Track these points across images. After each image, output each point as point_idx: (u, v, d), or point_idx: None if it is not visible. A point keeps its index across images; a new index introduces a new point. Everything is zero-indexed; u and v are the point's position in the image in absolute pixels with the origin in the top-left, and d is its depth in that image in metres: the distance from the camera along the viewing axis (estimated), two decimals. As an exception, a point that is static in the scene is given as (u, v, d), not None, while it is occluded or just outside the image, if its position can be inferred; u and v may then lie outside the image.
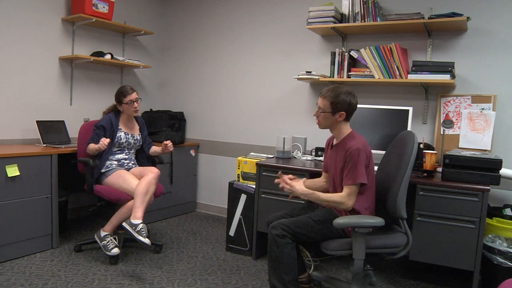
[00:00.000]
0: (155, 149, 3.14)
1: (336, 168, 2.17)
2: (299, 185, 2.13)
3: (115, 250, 2.74)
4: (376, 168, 2.43)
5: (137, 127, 3.11)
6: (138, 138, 3.07)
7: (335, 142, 2.25)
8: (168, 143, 2.97)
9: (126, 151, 3.01)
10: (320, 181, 2.45)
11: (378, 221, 1.94)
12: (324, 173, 2.41)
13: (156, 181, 2.80)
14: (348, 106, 2.12)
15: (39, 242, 2.89)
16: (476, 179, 2.31)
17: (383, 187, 2.18)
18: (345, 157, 2.09)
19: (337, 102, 2.11)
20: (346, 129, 2.20)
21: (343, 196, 2.06)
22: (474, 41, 2.91)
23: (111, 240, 2.78)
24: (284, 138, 3.15)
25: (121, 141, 2.95)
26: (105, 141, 2.73)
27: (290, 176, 2.26)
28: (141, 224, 2.58)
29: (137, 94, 2.97)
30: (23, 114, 3.26)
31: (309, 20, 3.23)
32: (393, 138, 2.33)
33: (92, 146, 2.80)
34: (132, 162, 3.03)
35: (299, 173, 2.73)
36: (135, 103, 2.94)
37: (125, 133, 2.98)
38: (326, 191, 2.38)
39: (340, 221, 1.96)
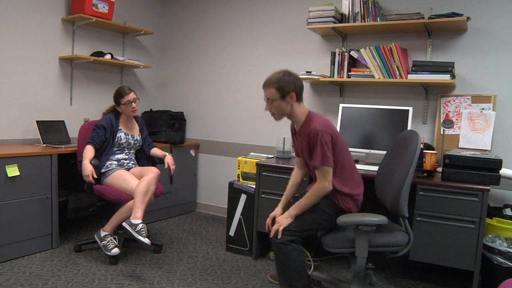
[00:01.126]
0: (156, 152, 3.13)
1: (305, 154, 2.17)
2: (284, 217, 2.12)
3: (115, 250, 2.74)
4: (376, 168, 2.44)
5: (137, 127, 3.11)
6: (138, 138, 3.07)
7: (297, 128, 2.22)
8: (171, 166, 2.97)
9: (126, 151, 3.01)
10: (297, 173, 2.41)
11: (381, 219, 1.94)
12: (297, 158, 2.38)
13: (156, 181, 2.80)
14: (294, 85, 2.09)
15: (39, 242, 2.89)
16: (476, 179, 2.31)
17: (385, 186, 2.18)
18: (308, 142, 2.08)
19: (282, 86, 2.07)
20: (302, 112, 2.16)
21: (318, 182, 2.08)
22: (474, 41, 2.91)
23: (111, 240, 2.78)
24: (284, 138, 3.15)
25: (121, 142, 2.95)
26: (90, 178, 2.70)
27: (270, 219, 2.30)
28: (141, 224, 2.58)
29: (135, 94, 2.97)
30: (23, 114, 3.26)
31: (309, 20, 3.23)
32: (393, 138, 2.33)
33: (86, 162, 2.72)
34: (132, 162, 3.03)
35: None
36: (133, 103, 2.94)
37: (125, 133, 2.98)
38: (306, 174, 2.41)
39: (344, 219, 1.97)
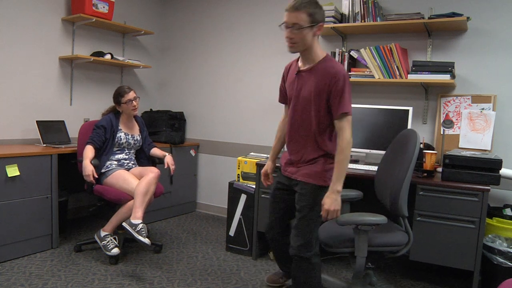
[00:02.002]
0: (155, 152, 3.14)
1: (310, 94, 1.88)
2: (332, 200, 1.86)
3: (115, 250, 2.74)
4: (376, 168, 2.44)
5: (137, 127, 3.12)
6: (138, 138, 3.07)
7: (305, 66, 1.93)
8: (171, 167, 2.97)
9: (126, 151, 3.01)
10: (284, 123, 2.18)
11: (381, 219, 1.94)
12: (286, 105, 2.10)
13: (156, 181, 2.80)
14: (323, 16, 1.85)
15: (39, 242, 2.89)
16: (476, 179, 2.31)
17: (385, 185, 2.18)
18: (330, 84, 1.82)
19: (315, 13, 1.80)
20: (321, 49, 1.93)
21: (343, 135, 1.85)
22: (474, 41, 2.91)
23: (111, 240, 2.78)
24: (284, 138, 3.15)
25: (121, 142, 2.95)
26: (91, 178, 2.70)
27: (264, 176, 2.32)
28: (141, 224, 2.58)
29: (135, 93, 2.98)
30: (23, 114, 3.26)
31: (309, 20, 3.23)
32: (393, 138, 2.32)
33: (86, 162, 2.72)
34: (132, 162, 3.03)
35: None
36: (133, 101, 2.94)
37: (125, 133, 2.98)
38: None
39: (343, 219, 1.95)
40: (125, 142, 2.98)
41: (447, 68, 2.77)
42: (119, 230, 2.89)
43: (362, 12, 3.06)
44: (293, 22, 1.79)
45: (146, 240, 2.54)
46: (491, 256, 2.38)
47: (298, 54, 1.97)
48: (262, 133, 3.85)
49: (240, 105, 3.98)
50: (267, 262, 2.92)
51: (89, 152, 2.78)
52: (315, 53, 1.90)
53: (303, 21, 1.78)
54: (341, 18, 3.19)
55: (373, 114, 2.94)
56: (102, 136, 2.88)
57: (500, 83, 2.84)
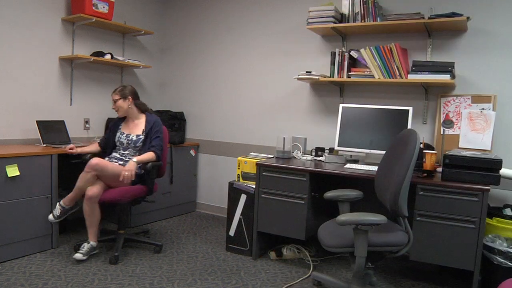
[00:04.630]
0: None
1: None
2: None
3: (78, 255, 2.71)
4: (376, 168, 2.44)
5: (140, 127, 3.03)
6: (134, 138, 2.99)
7: None
8: (123, 173, 2.72)
9: (121, 151, 3.03)
10: None
11: (381, 218, 1.93)
12: None
13: (89, 203, 2.70)
14: None
15: (39, 242, 2.89)
16: (476, 179, 2.31)
17: (385, 185, 2.18)
18: None
19: None
20: None
21: None
22: (474, 41, 2.91)
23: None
24: (284, 138, 3.15)
25: (116, 141, 3.06)
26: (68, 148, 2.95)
27: None
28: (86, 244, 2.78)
29: (117, 94, 2.98)
30: (23, 114, 3.26)
31: (309, 20, 3.23)
32: (393, 139, 2.32)
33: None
34: (121, 162, 2.95)
35: (299, 173, 2.73)
36: (115, 103, 3.02)
37: (121, 132, 3.04)
38: None
39: (343, 218, 1.94)
40: (117, 141, 3.04)
41: (447, 68, 2.77)
42: (119, 230, 2.91)
43: (362, 12, 3.06)
44: None
45: (78, 255, 2.70)
46: (491, 256, 2.38)
47: None
48: (262, 133, 3.85)
49: (240, 105, 3.98)
50: (267, 262, 2.92)
51: (91, 146, 3.09)
52: None
53: None
54: (341, 18, 3.19)
55: (373, 114, 2.94)
56: (106, 136, 3.09)
57: (500, 83, 2.84)
